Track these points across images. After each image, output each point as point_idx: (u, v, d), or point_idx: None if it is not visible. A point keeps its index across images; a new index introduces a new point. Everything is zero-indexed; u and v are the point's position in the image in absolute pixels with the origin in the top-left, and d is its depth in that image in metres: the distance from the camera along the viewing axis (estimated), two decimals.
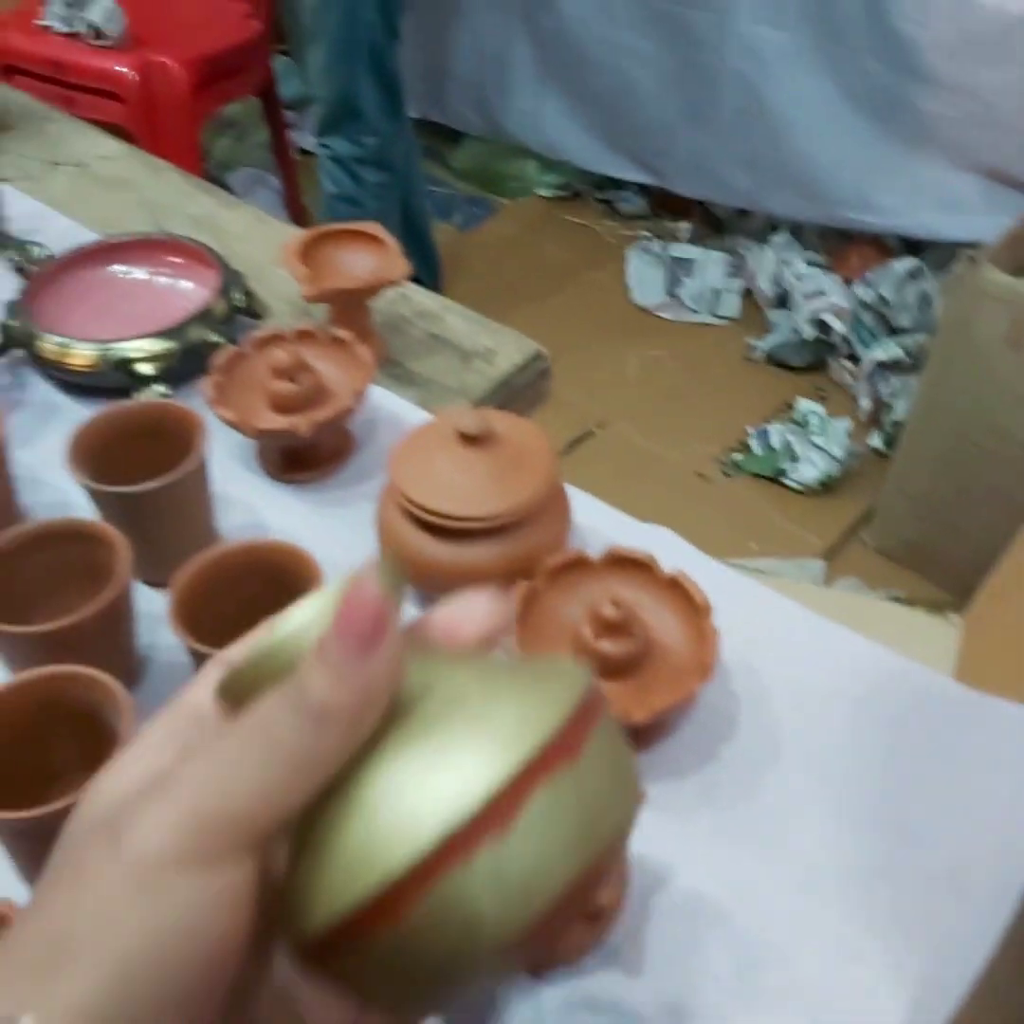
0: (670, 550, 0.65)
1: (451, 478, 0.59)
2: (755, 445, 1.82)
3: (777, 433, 1.82)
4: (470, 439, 0.60)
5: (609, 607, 0.53)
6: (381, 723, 0.24)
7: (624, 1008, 0.47)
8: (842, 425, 1.81)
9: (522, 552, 0.59)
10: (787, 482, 1.77)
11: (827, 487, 1.76)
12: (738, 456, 1.82)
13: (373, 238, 0.81)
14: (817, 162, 1.98)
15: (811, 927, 0.50)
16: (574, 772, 0.23)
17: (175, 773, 0.25)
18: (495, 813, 0.22)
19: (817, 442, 1.79)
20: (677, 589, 0.57)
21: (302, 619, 0.25)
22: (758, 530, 1.69)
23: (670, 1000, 0.48)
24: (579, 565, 0.59)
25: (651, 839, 0.52)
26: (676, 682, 0.54)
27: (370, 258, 0.81)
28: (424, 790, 0.23)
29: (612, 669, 0.54)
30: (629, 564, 0.58)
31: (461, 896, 0.22)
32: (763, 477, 1.79)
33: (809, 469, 1.76)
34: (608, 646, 0.54)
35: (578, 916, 0.26)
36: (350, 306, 0.79)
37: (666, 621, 0.57)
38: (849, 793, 0.55)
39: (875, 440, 1.83)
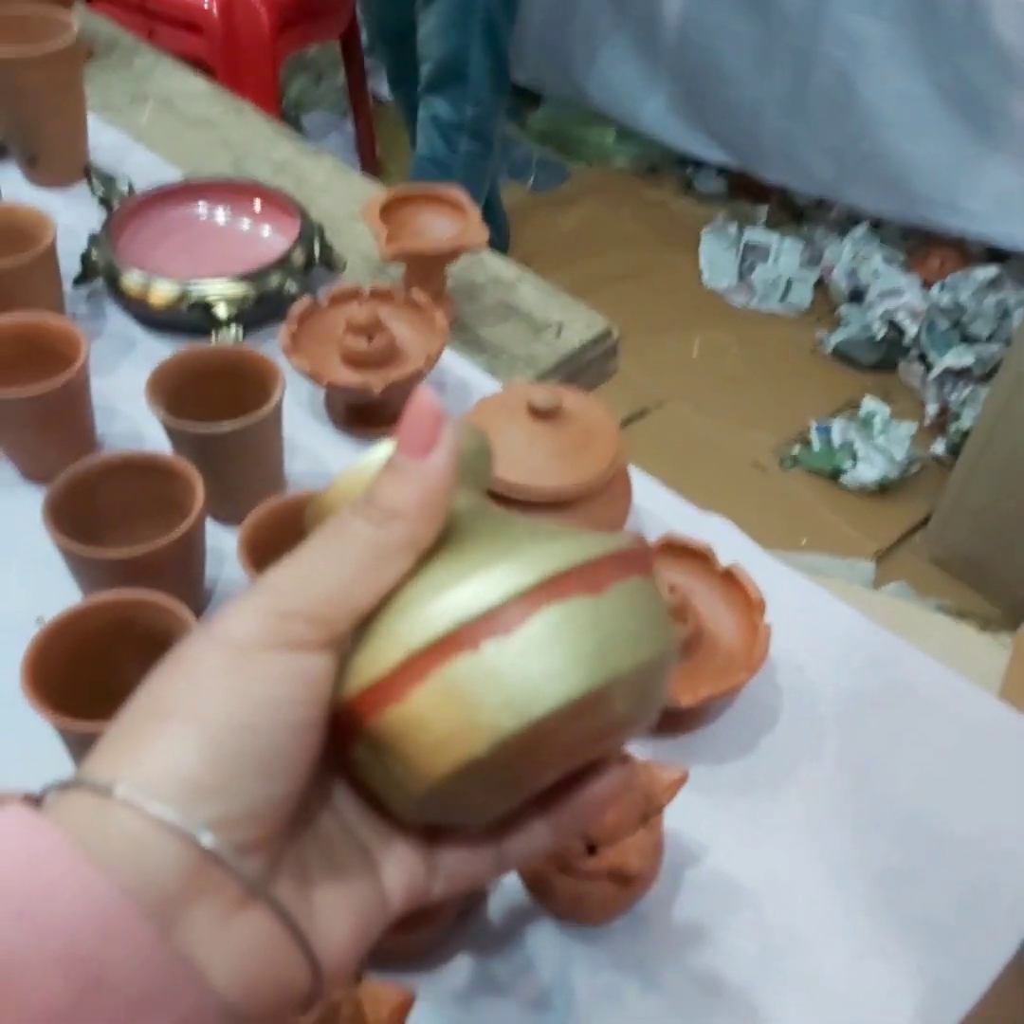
0: (726, 539, 0.67)
1: (518, 450, 0.61)
2: (815, 440, 1.83)
3: (839, 430, 1.82)
4: (540, 413, 0.62)
5: (663, 592, 0.55)
6: (436, 541, 0.28)
7: (648, 972, 0.50)
8: (906, 429, 1.81)
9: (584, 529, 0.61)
10: (844, 481, 1.77)
11: (884, 490, 1.76)
12: (797, 449, 1.83)
13: (452, 203, 0.83)
14: (905, 158, 1.96)
15: (834, 920, 0.52)
16: (594, 604, 0.26)
17: (262, 576, 0.28)
18: (501, 617, 0.25)
19: (879, 443, 1.79)
20: (732, 582, 0.59)
21: (378, 456, 0.30)
22: (810, 526, 1.70)
23: (693, 971, 0.50)
24: None
25: (687, 818, 0.54)
26: (724, 672, 0.56)
27: (449, 222, 0.83)
28: (447, 593, 0.26)
29: None
30: (686, 552, 0.60)
31: (462, 684, 0.25)
32: (820, 474, 1.79)
33: (868, 470, 1.76)
34: None
35: (593, 740, 0.28)
36: (427, 268, 0.81)
37: (718, 611, 0.59)
38: (884, 797, 0.57)
39: (938, 447, 1.83)
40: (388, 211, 0.81)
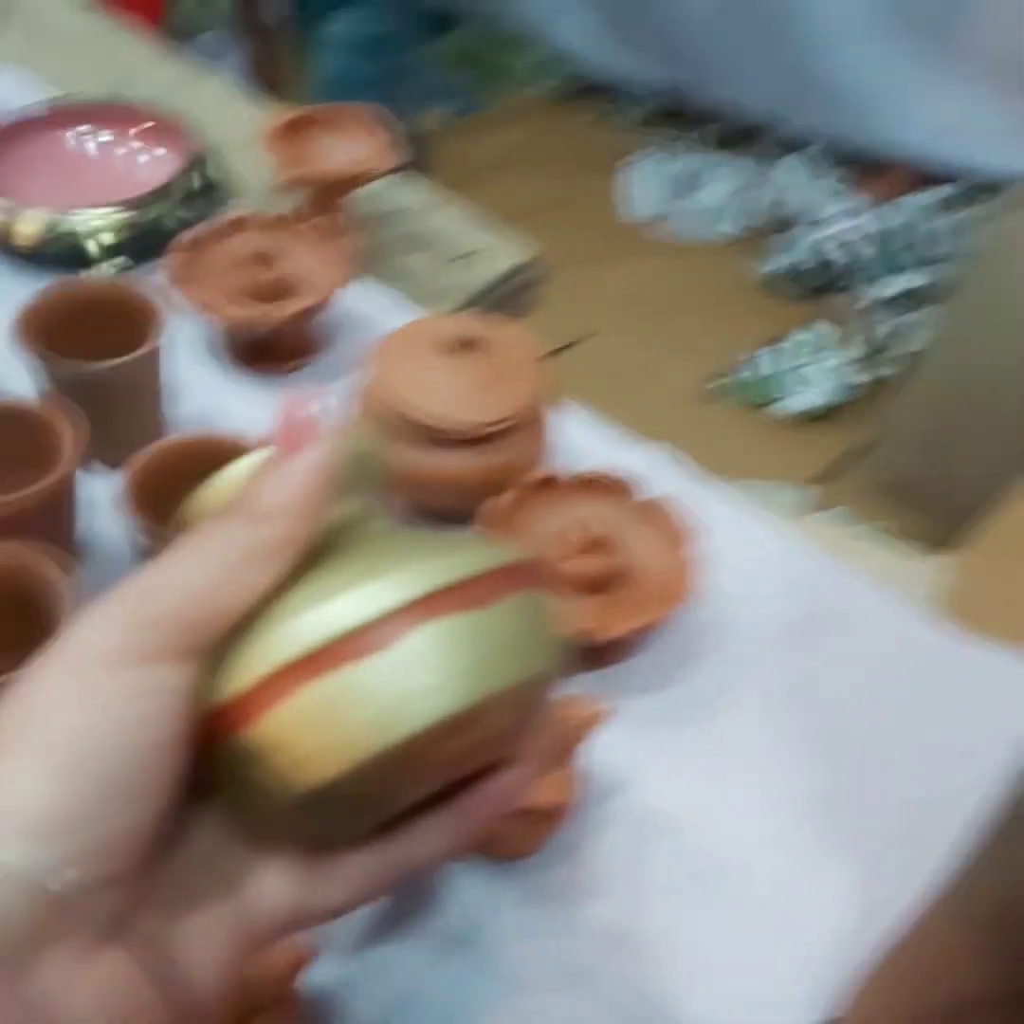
0: (662, 469, 0.65)
1: (432, 383, 0.59)
2: (749, 370, 1.82)
3: (772, 359, 1.82)
4: (452, 345, 0.59)
5: (575, 530, 0.54)
6: (311, 552, 0.27)
7: (569, 907, 0.49)
8: (841, 356, 1.81)
9: (501, 464, 0.59)
10: (777, 410, 1.77)
11: (818, 419, 1.77)
12: (728, 380, 1.82)
13: (362, 123, 0.79)
14: (853, 77, 1.92)
15: (764, 846, 0.52)
16: (472, 619, 0.26)
17: (122, 583, 0.26)
18: (374, 634, 0.25)
19: (811, 371, 1.79)
20: (658, 513, 0.57)
21: (252, 460, 0.29)
22: (746, 457, 1.69)
23: (616, 903, 0.50)
24: (553, 484, 0.59)
25: (608, 749, 0.53)
26: (649, 604, 0.55)
27: (356, 145, 0.78)
28: (320, 606, 0.26)
29: (579, 587, 0.55)
30: (611, 485, 0.59)
31: (330, 700, 0.25)
32: (754, 404, 1.79)
33: (801, 399, 1.76)
34: (573, 566, 0.55)
35: (468, 758, 0.27)
36: (331, 195, 0.77)
37: (650, 542, 0.57)
38: (818, 721, 0.56)
39: (872, 373, 1.83)
40: (288, 134, 0.77)
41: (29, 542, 0.48)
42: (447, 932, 0.48)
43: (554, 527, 0.57)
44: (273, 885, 0.28)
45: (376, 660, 0.25)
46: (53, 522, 0.54)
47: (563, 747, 0.47)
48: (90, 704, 0.24)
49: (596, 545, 0.54)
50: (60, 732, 0.24)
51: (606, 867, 0.51)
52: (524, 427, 0.61)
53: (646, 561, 0.57)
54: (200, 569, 0.26)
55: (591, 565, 0.54)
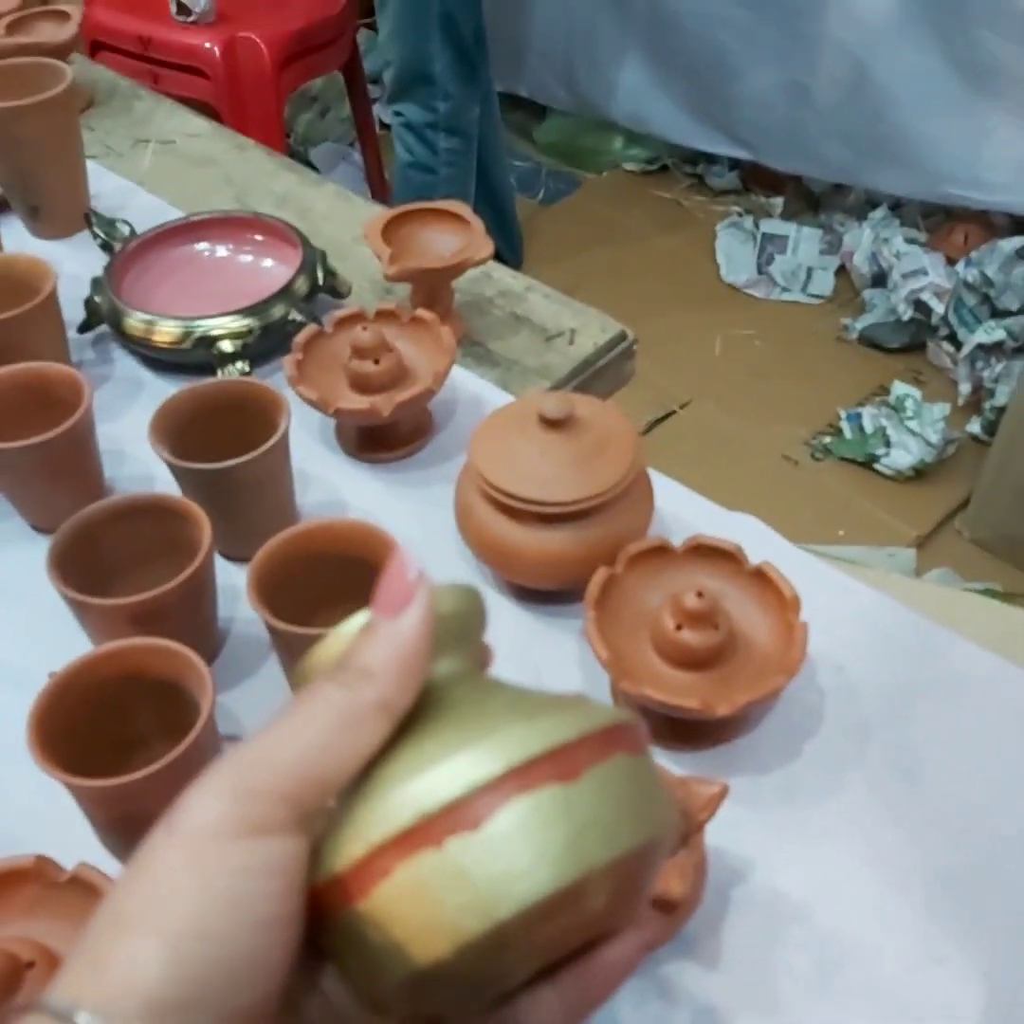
0: (757, 538, 0.64)
1: (532, 462, 0.59)
2: (847, 428, 1.78)
3: (870, 417, 1.78)
4: (552, 423, 0.59)
5: (692, 597, 0.52)
6: (411, 714, 0.27)
7: (698, 999, 0.47)
8: (939, 410, 1.76)
9: (603, 538, 0.59)
10: (879, 468, 1.73)
11: (921, 474, 1.71)
12: (828, 439, 1.79)
13: (457, 217, 0.81)
14: (921, 136, 1.91)
15: (892, 927, 0.49)
16: (565, 793, 0.24)
17: (227, 752, 0.26)
18: (465, 811, 0.24)
19: (912, 427, 1.74)
20: (764, 581, 0.56)
21: (358, 621, 0.28)
22: (847, 517, 1.66)
23: (745, 993, 0.48)
24: (661, 553, 0.58)
25: (731, 834, 0.51)
26: (761, 676, 0.53)
27: (454, 237, 0.81)
28: (411, 781, 0.25)
29: (694, 661, 0.54)
30: (714, 553, 0.58)
31: (424, 882, 0.24)
32: (854, 462, 1.75)
33: (903, 455, 1.71)
34: (690, 636, 0.53)
35: (573, 935, 0.26)
36: (433, 285, 0.80)
37: (751, 613, 0.56)
38: (938, 795, 0.54)
39: (974, 427, 1.78)
40: (392, 231, 0.80)
41: (170, 630, 0.49)
42: None
43: (662, 596, 0.56)
44: None
45: (466, 840, 0.24)
46: (192, 613, 0.56)
47: (687, 830, 0.46)
48: (201, 882, 0.24)
49: (710, 616, 0.53)
50: (173, 912, 0.24)
51: (735, 956, 0.49)
52: (625, 499, 0.60)
53: (753, 632, 0.56)
54: (300, 735, 0.26)
55: (709, 639, 0.53)
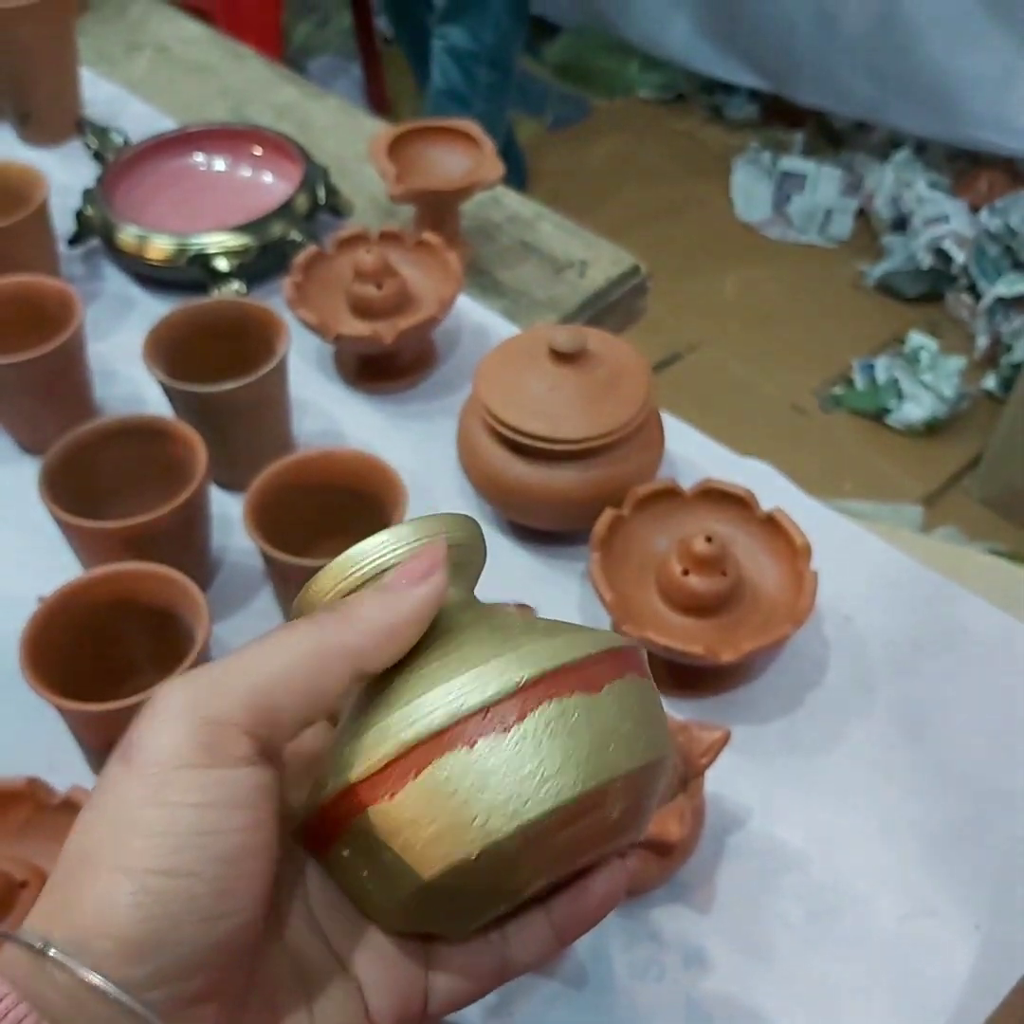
0: (768, 485, 0.64)
1: (540, 396, 0.59)
2: (859, 379, 1.78)
3: (884, 368, 1.77)
4: (563, 356, 0.59)
5: (701, 542, 0.53)
6: (427, 636, 0.28)
7: (690, 943, 0.49)
8: (955, 363, 1.75)
9: (611, 479, 0.59)
10: (890, 422, 1.73)
11: (932, 430, 1.71)
12: (839, 390, 1.78)
13: (466, 136, 0.80)
14: (949, 75, 1.88)
15: (886, 879, 0.51)
16: (591, 702, 0.26)
17: (180, 679, 0.26)
18: (497, 713, 0.25)
19: (926, 380, 1.74)
20: (774, 528, 0.57)
21: (369, 545, 0.29)
22: (854, 470, 1.66)
23: (737, 939, 0.49)
24: (670, 496, 0.58)
25: (730, 781, 0.52)
26: (767, 624, 0.54)
27: (462, 158, 0.80)
28: (441, 686, 0.26)
29: (699, 606, 0.54)
30: (724, 498, 0.58)
31: (454, 781, 0.25)
32: (865, 414, 1.75)
33: (915, 409, 1.71)
34: (697, 582, 0.54)
35: (585, 848, 0.27)
36: (439, 208, 0.79)
37: (760, 560, 0.57)
38: (939, 749, 0.55)
39: (990, 382, 1.77)
40: (397, 149, 0.79)
41: (163, 556, 0.50)
42: (568, 971, 0.48)
43: (670, 540, 0.56)
44: (391, 979, 0.28)
45: (497, 741, 0.25)
46: (186, 539, 0.56)
47: (687, 774, 0.47)
48: (165, 816, 0.24)
49: (719, 561, 0.53)
50: (138, 849, 0.24)
51: (727, 902, 0.50)
52: (636, 439, 0.60)
53: (761, 579, 0.56)
54: (262, 667, 0.26)
55: (716, 584, 0.53)
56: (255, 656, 0.26)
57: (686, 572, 0.54)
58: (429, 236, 0.73)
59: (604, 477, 0.59)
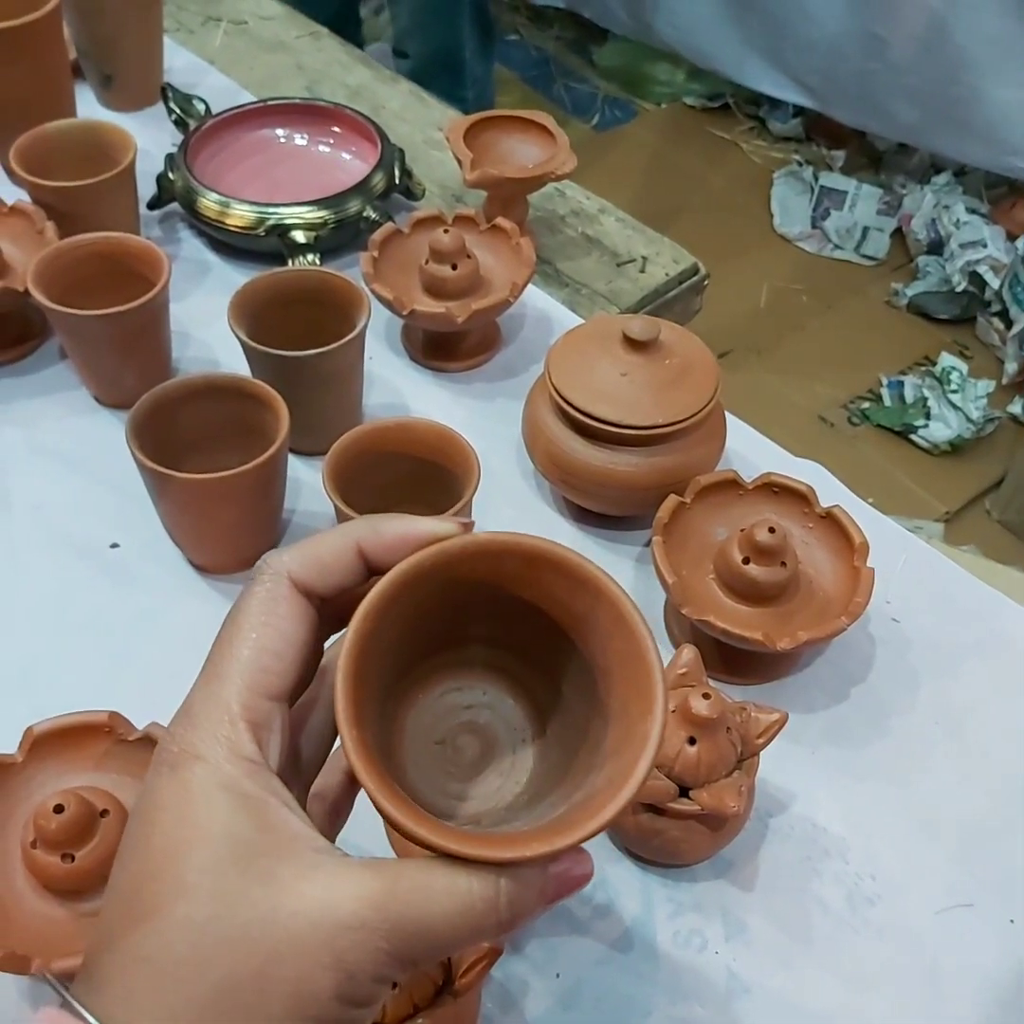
0: (819, 487, 0.65)
1: (612, 382, 0.60)
2: (887, 395, 1.79)
3: (912, 386, 1.78)
4: (636, 344, 0.60)
5: (764, 532, 0.54)
6: None
7: (733, 915, 0.50)
8: (983, 386, 1.76)
9: (675, 467, 0.60)
10: (915, 439, 1.73)
11: (957, 449, 1.72)
12: (867, 405, 1.79)
13: (540, 127, 0.81)
14: (994, 104, 1.88)
15: (923, 871, 0.52)
16: None
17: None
18: None
19: (955, 401, 1.74)
20: (832, 524, 0.58)
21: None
22: (878, 484, 1.67)
23: (777, 918, 0.50)
24: (731, 487, 0.59)
25: (776, 765, 0.53)
26: (821, 617, 0.55)
27: (534, 148, 0.81)
28: None
29: (758, 595, 0.55)
30: (783, 492, 0.59)
31: None
32: (891, 431, 1.76)
33: (941, 428, 1.72)
34: (757, 571, 0.54)
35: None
36: (509, 196, 0.79)
37: (815, 554, 0.58)
38: (977, 749, 0.56)
39: (1015, 407, 1.78)
40: (471, 136, 0.79)
41: (240, 514, 0.50)
42: (613, 935, 0.49)
43: (728, 530, 0.57)
44: None
45: None
46: (265, 497, 0.58)
47: (744, 753, 0.48)
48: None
49: (780, 552, 0.54)
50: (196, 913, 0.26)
51: (769, 881, 0.51)
52: (701, 430, 0.61)
53: (817, 573, 0.57)
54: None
55: (776, 574, 0.54)
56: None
57: (747, 561, 0.55)
58: (503, 221, 0.74)
59: (667, 465, 0.60)
